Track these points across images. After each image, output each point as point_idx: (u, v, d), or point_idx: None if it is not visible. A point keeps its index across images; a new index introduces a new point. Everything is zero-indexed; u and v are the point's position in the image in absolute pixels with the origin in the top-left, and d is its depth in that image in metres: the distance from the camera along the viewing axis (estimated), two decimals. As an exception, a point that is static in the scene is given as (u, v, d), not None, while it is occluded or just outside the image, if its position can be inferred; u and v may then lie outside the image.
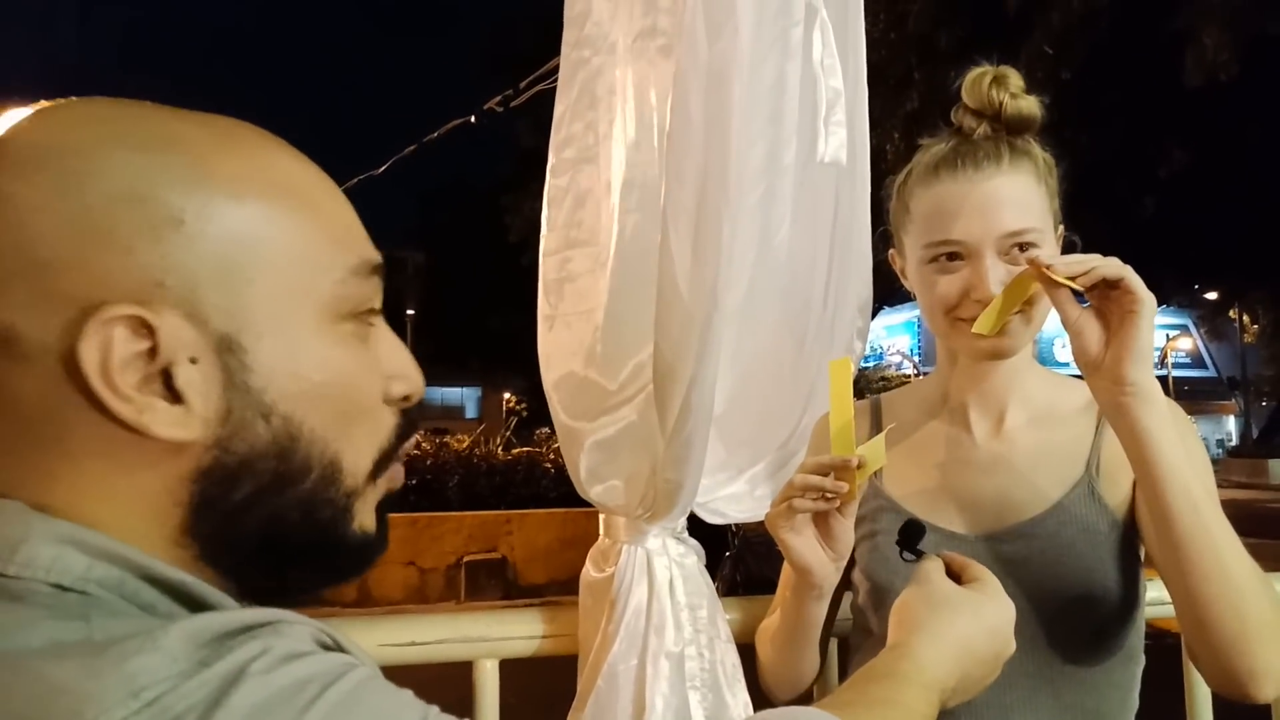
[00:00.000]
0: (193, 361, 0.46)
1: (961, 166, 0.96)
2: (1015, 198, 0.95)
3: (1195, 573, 0.83)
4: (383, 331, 0.55)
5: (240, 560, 0.50)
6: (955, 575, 0.81)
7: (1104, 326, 0.86)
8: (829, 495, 0.92)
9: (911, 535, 0.87)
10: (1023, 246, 0.94)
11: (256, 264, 0.47)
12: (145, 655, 0.39)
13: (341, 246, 0.51)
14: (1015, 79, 1.00)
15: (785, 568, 1.07)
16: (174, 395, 0.45)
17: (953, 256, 0.96)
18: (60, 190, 0.44)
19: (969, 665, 0.74)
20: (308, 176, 0.52)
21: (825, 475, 0.91)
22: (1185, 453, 0.86)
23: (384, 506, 0.56)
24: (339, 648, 0.47)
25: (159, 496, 0.47)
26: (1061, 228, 1.02)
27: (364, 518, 0.53)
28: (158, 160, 0.46)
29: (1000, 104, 0.98)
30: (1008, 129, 0.99)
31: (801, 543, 0.95)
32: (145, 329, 0.44)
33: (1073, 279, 0.84)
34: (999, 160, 0.96)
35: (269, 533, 0.50)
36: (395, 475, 0.56)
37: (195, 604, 0.46)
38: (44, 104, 0.49)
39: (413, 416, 0.56)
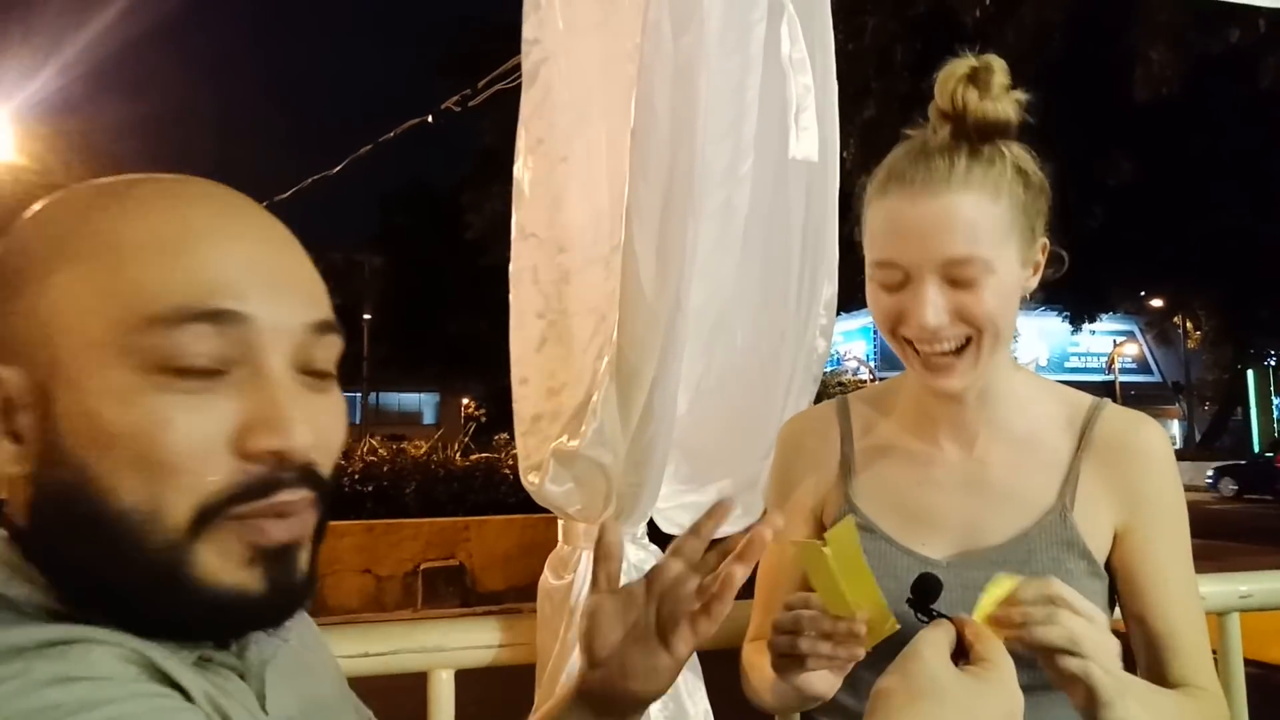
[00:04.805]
0: (25, 407, 0.50)
1: (910, 181, 0.88)
2: (963, 220, 0.86)
3: None
4: (251, 382, 0.51)
5: (85, 599, 0.50)
6: (967, 646, 0.69)
7: None
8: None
9: (926, 593, 0.75)
10: (959, 282, 0.87)
11: (62, 316, 0.50)
12: None
13: (147, 295, 0.49)
14: (999, 74, 0.89)
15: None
16: (15, 436, 0.50)
17: (895, 277, 0.90)
18: None
19: None
20: (166, 224, 0.51)
21: (830, 635, 0.81)
22: (1171, 551, 0.94)
23: (272, 560, 0.51)
24: (165, 677, 0.47)
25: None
26: (1044, 240, 0.95)
27: (207, 569, 0.49)
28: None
29: (965, 106, 0.89)
30: (974, 134, 0.89)
31: (817, 679, 0.85)
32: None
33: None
34: (950, 176, 0.87)
35: (97, 576, 0.50)
36: (259, 529, 0.51)
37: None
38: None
39: (275, 475, 0.51)
